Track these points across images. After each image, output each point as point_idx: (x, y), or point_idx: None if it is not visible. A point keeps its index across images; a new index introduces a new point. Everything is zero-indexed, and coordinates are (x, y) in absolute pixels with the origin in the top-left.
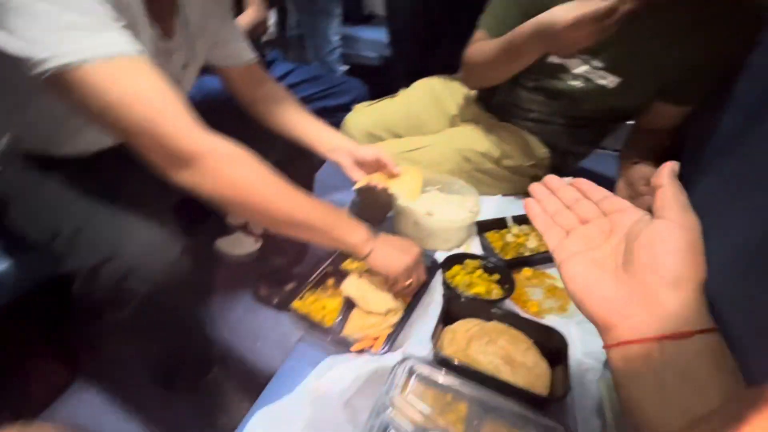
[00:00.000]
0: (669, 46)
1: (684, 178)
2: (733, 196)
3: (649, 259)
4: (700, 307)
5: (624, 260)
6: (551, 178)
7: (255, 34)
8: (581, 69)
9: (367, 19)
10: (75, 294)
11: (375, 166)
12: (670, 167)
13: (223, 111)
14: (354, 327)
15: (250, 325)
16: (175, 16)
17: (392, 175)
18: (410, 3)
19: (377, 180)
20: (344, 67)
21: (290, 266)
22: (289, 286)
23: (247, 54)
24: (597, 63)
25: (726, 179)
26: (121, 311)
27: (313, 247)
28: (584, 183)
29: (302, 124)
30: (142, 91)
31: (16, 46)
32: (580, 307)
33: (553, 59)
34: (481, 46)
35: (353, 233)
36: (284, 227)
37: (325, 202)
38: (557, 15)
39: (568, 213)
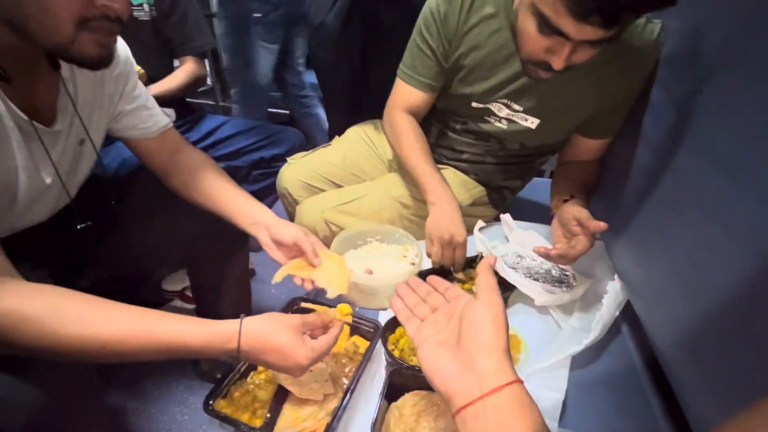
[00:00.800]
0: (583, 86)
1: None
2: (655, 227)
3: (470, 333)
4: (507, 365)
5: (458, 337)
6: (412, 279)
7: (195, 88)
8: (504, 112)
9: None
10: None
11: (294, 250)
12: (487, 262)
13: (144, 176)
14: (287, 422)
15: (195, 407)
16: (55, 99)
17: (314, 264)
18: (327, 54)
19: (298, 270)
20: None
21: None
22: None
23: (158, 121)
24: (516, 107)
25: (645, 213)
26: None
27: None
28: (434, 279)
29: (222, 195)
30: None
31: None
32: (430, 382)
33: (477, 104)
34: (400, 139)
35: (209, 354)
36: (124, 362)
37: (167, 317)
38: (456, 231)
39: (423, 305)
